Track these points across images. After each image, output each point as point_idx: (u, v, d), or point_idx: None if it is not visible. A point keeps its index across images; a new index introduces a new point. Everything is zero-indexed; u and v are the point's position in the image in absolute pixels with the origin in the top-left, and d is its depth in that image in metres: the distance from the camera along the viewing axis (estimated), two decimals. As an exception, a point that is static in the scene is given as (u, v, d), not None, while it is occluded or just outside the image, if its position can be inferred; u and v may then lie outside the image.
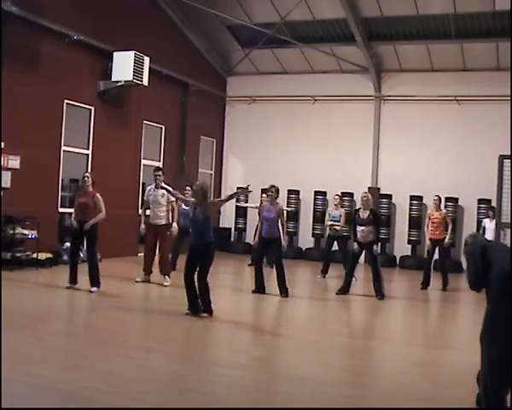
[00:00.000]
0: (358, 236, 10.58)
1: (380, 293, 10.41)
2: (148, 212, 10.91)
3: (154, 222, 10.66)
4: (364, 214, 10.57)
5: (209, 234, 8.08)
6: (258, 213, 12.10)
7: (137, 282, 10.66)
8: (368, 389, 5.46)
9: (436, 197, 12.13)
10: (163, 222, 10.65)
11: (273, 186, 10.45)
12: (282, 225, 10.48)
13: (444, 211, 12.30)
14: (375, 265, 10.54)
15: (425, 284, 11.94)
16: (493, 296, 4.39)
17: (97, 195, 9.49)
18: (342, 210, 13.06)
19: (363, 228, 10.52)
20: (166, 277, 10.63)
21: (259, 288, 10.32)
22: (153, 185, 10.88)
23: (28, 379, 4.99)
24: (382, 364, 6.51)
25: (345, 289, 10.70)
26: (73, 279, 9.54)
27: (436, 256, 12.25)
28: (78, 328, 7.54)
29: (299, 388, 5.29)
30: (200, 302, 8.02)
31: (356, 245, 10.63)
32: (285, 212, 11.71)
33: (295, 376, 5.66)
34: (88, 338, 6.79)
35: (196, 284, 7.98)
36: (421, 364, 6.26)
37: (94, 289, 9.38)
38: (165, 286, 10.49)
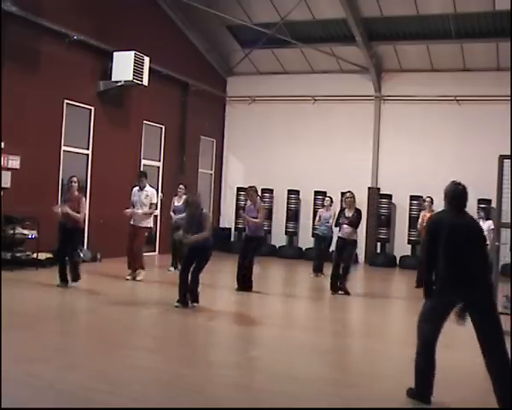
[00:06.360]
0: (342, 232, 10.73)
1: (342, 287, 10.57)
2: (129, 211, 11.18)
3: (134, 223, 10.98)
4: (350, 213, 10.76)
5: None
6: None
7: (127, 279, 10.83)
8: (368, 389, 5.45)
9: (428, 198, 12.27)
10: (142, 224, 10.98)
11: (251, 187, 10.65)
12: (258, 211, 10.36)
13: (435, 211, 12.29)
14: (348, 262, 10.71)
15: (419, 282, 11.98)
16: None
17: (82, 199, 9.71)
18: (332, 211, 13.21)
19: (347, 226, 10.66)
20: (141, 270, 10.94)
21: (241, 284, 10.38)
22: (137, 187, 11.17)
23: (28, 379, 4.99)
24: (382, 364, 6.51)
25: (335, 287, 10.72)
26: (63, 279, 9.69)
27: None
28: (77, 328, 7.54)
29: (298, 388, 5.29)
30: (188, 293, 8.56)
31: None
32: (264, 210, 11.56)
33: (294, 376, 5.66)
34: (87, 338, 6.80)
35: (190, 276, 8.53)
36: (421, 364, 6.25)
37: (75, 284, 9.63)
38: (138, 280, 10.80)
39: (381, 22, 15.65)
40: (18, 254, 11.13)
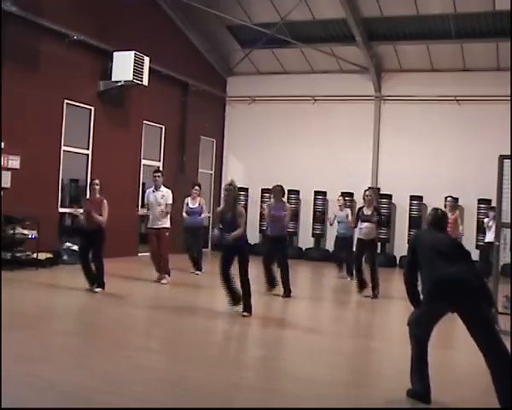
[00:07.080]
0: (360, 233, 10.63)
1: (374, 292, 10.48)
2: (142, 211, 11.14)
3: (153, 225, 10.83)
4: (368, 211, 10.67)
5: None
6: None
7: (164, 284, 10.72)
8: (368, 389, 5.46)
9: (450, 198, 11.92)
10: (163, 225, 10.79)
11: (276, 186, 10.48)
12: (286, 211, 10.53)
13: (457, 212, 12.06)
14: (373, 266, 10.58)
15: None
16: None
17: (104, 201, 9.53)
18: (348, 210, 13.09)
19: (366, 224, 10.60)
20: (166, 275, 10.82)
21: (272, 284, 10.29)
22: (152, 187, 11.00)
23: (28, 379, 4.98)
24: (383, 364, 6.52)
25: (363, 286, 10.59)
26: (91, 280, 9.52)
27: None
28: (78, 328, 7.53)
29: (302, 388, 5.28)
30: (241, 302, 8.23)
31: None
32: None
33: (297, 376, 5.65)
34: (88, 338, 6.79)
35: (239, 283, 8.24)
36: (421, 364, 6.25)
37: (98, 289, 9.41)
38: (164, 284, 10.70)
39: (381, 22, 15.66)
40: (18, 254, 11.13)
